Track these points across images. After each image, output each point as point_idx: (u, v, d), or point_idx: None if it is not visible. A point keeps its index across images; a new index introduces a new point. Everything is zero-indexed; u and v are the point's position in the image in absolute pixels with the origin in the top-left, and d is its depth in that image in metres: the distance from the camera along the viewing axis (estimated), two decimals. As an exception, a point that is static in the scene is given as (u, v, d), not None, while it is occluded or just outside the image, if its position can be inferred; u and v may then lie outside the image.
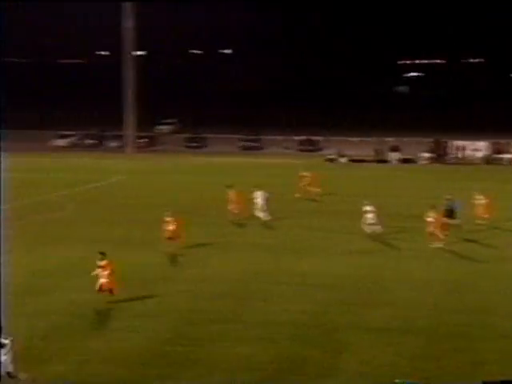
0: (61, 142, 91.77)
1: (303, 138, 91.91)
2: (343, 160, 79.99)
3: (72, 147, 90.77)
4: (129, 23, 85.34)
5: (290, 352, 24.01)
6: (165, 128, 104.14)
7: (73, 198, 51.83)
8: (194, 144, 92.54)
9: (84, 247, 36.77)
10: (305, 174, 52.16)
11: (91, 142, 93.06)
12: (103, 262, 28.42)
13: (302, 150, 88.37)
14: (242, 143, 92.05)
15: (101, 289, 28.31)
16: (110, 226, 43.00)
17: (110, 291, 28.45)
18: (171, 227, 36.24)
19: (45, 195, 52.66)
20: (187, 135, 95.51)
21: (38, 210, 47.82)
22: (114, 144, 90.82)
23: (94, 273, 28.54)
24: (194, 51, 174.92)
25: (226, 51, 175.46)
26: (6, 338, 20.43)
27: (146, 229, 41.14)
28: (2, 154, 46.61)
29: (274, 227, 43.05)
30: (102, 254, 28.72)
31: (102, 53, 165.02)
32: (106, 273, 28.29)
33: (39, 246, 38.02)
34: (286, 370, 22.61)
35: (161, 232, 36.43)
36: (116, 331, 26.07)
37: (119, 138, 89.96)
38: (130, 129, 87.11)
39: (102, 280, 28.24)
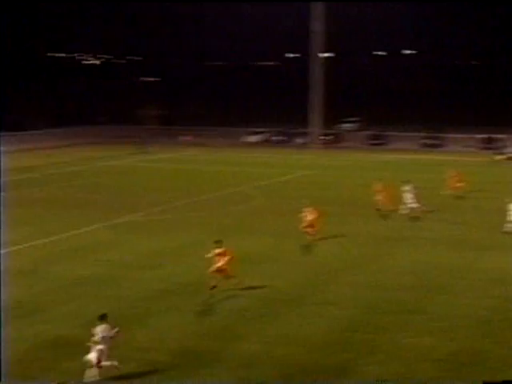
0: (253, 139, 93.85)
1: (485, 136, 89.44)
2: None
3: (263, 143, 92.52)
4: (316, 27, 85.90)
5: (471, 345, 23.37)
6: (349, 126, 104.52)
7: (262, 190, 52.77)
8: (376, 141, 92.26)
9: (267, 237, 37.59)
10: (452, 171, 50.52)
11: (280, 138, 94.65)
12: (220, 250, 28.62)
13: (483, 149, 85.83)
14: (422, 141, 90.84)
15: (218, 271, 28.47)
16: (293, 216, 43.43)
17: (225, 274, 28.61)
18: (309, 218, 36.58)
19: (238, 187, 53.92)
20: (370, 133, 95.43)
21: (233, 200, 49.08)
22: (300, 141, 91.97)
23: (209, 255, 28.72)
24: (379, 53, 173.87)
25: (409, 51, 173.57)
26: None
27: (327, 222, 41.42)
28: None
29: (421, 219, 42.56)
30: (218, 241, 28.88)
31: (291, 55, 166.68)
32: (225, 258, 28.50)
33: (233, 234, 39.02)
34: (466, 363, 21.99)
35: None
36: (300, 316, 26.34)
37: (306, 135, 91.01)
38: (315, 127, 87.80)
39: (219, 264, 28.43)
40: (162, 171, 64.97)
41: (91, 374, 20.42)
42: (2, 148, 62.28)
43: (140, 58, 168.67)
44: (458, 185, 49.56)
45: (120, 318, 25.73)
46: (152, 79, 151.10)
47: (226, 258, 28.53)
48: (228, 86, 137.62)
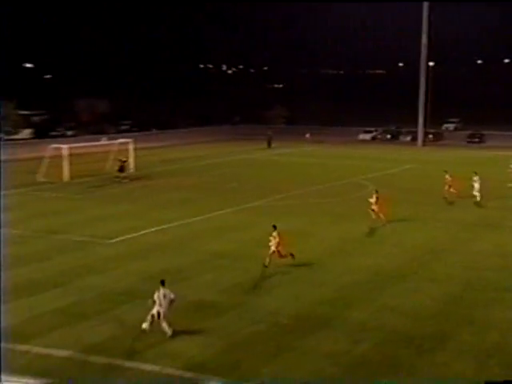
0: (365, 136, 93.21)
1: None
2: None
3: (373, 141, 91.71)
4: (424, 39, 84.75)
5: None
6: (449, 126, 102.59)
7: (373, 181, 52.33)
8: (474, 140, 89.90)
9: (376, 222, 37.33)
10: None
11: (389, 136, 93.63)
12: (275, 233, 28.34)
13: None
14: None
15: (275, 254, 28.23)
16: (397, 205, 42.98)
17: (280, 255, 28.31)
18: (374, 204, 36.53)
19: (352, 178, 53.72)
20: (468, 132, 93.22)
21: (346, 189, 48.98)
22: (407, 138, 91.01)
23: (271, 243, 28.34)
24: (478, 61, 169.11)
25: (507, 60, 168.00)
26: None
27: (424, 210, 40.84)
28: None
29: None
30: (274, 226, 28.65)
31: (400, 64, 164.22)
32: (276, 241, 28.19)
33: (346, 219, 38.97)
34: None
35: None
36: (406, 290, 26.13)
37: (411, 133, 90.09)
38: (420, 126, 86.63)
39: (273, 248, 28.18)
40: (285, 164, 65.36)
41: (145, 325, 21.13)
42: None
43: (266, 68, 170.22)
44: None
45: (248, 288, 26.31)
46: (277, 85, 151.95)
47: (275, 241, 28.27)
48: (344, 90, 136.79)
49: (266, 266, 28.37)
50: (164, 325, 21.21)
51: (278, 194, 46.74)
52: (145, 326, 21.31)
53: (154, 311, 21.25)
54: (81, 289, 25.52)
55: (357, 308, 24.03)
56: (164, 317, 21.20)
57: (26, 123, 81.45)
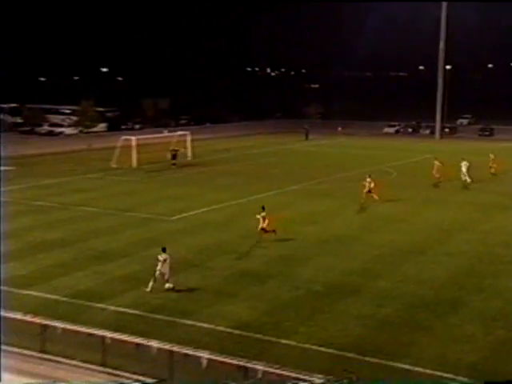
0: (389, 130, 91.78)
1: None
2: None
3: (397, 134, 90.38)
4: (441, 45, 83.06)
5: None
6: (463, 121, 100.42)
7: (396, 168, 51.72)
8: (485, 133, 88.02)
9: (398, 203, 36.82)
10: (491, 156, 47.42)
11: (410, 130, 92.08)
12: (263, 214, 28.08)
13: None
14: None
15: (263, 230, 28.07)
16: (419, 189, 42.43)
17: (267, 231, 28.14)
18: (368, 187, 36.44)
19: (378, 165, 53.11)
20: (480, 126, 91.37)
21: (373, 176, 48.41)
22: (426, 132, 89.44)
23: (258, 216, 28.15)
24: (489, 65, 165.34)
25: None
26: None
27: (438, 192, 40.24)
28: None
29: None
30: (263, 207, 28.45)
31: (420, 67, 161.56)
32: (266, 221, 27.99)
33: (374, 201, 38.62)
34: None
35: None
36: (424, 263, 25.82)
37: (430, 127, 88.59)
38: (438, 121, 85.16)
39: (263, 225, 28.00)
40: (320, 153, 64.90)
41: (149, 284, 21.80)
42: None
43: (304, 71, 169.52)
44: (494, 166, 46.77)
45: (290, 259, 26.28)
46: (314, 85, 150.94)
47: (267, 221, 28.09)
48: (371, 90, 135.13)
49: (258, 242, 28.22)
50: (167, 285, 21.98)
51: (313, 179, 46.48)
52: (150, 285, 21.91)
53: (157, 273, 21.95)
54: (145, 258, 25.82)
55: (382, 278, 23.85)
56: (167, 276, 21.96)
57: (102, 118, 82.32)
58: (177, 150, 53.45)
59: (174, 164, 52.09)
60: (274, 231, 28.53)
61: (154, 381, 15.32)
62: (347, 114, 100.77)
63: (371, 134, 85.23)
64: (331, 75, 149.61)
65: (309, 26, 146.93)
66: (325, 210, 35.99)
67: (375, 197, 36.48)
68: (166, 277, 22.01)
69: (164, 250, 22.22)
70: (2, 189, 40.85)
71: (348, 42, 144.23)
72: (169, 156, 52.90)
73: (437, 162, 43.97)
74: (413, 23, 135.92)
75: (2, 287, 21.98)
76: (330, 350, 17.56)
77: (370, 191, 36.69)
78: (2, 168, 48.20)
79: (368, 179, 37.05)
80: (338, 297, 21.85)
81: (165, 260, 21.98)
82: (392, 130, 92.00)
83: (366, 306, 20.95)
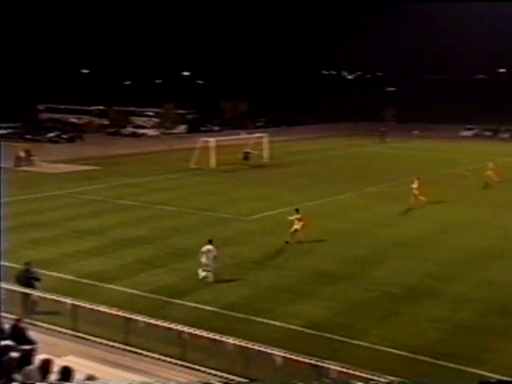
0: (467, 133, 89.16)
1: None
2: None
3: (474, 137, 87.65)
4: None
5: None
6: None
7: (473, 172, 50.14)
8: None
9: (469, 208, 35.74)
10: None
11: (488, 133, 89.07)
12: (298, 216, 27.89)
13: None
14: None
15: (295, 231, 27.83)
16: (498, 192, 40.90)
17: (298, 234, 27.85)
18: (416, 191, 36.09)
19: (454, 168, 51.72)
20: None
21: (451, 178, 47.29)
22: (505, 136, 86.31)
23: (291, 218, 28.10)
24: None
25: None
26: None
27: None
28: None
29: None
30: (297, 210, 28.32)
31: (500, 70, 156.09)
32: (300, 223, 27.71)
33: (453, 204, 37.57)
34: None
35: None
36: (502, 268, 24.90)
37: (510, 131, 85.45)
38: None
39: (296, 227, 27.80)
40: (396, 156, 63.80)
41: (199, 273, 22.94)
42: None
43: (381, 74, 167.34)
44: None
45: (365, 261, 25.94)
46: (390, 89, 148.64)
47: (301, 223, 27.85)
48: (449, 93, 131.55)
49: (287, 242, 28.02)
50: (208, 274, 22.82)
51: (389, 181, 45.72)
52: (201, 275, 22.91)
53: (202, 263, 22.85)
54: (223, 257, 26.09)
55: (458, 281, 23.20)
56: (210, 268, 22.76)
57: (182, 120, 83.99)
58: (249, 152, 54.39)
59: (245, 165, 53.13)
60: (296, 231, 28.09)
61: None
62: (424, 117, 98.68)
63: (448, 137, 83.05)
64: (408, 78, 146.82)
65: (385, 29, 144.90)
66: (400, 212, 35.35)
67: (422, 199, 36.06)
68: (209, 268, 22.85)
69: (210, 242, 23.15)
70: (89, 188, 42.38)
71: (425, 46, 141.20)
72: (241, 157, 53.88)
73: (491, 165, 43.81)
74: (492, 25, 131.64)
75: (88, 281, 22.91)
76: (404, 353, 17.21)
77: (417, 194, 36.35)
78: (76, 167, 49.94)
79: (415, 181, 36.71)
80: (413, 299, 21.39)
81: (208, 251, 22.81)
82: (470, 133, 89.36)
83: (441, 309, 20.42)
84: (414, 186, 36.64)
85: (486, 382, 15.18)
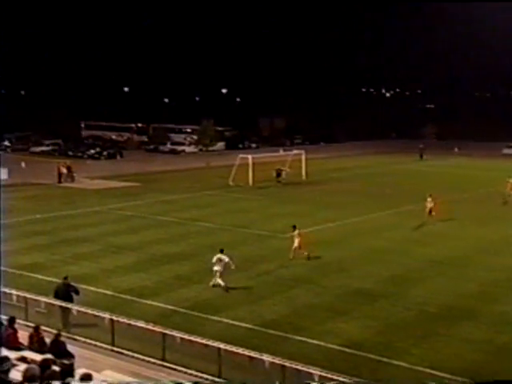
0: (509, 151, 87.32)
1: None
2: None
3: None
4: None
5: None
6: None
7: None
8: None
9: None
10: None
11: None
12: (296, 232, 28.22)
13: None
14: None
15: (299, 247, 28.02)
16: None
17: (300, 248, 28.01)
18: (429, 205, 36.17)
19: (495, 187, 50.64)
20: None
21: (490, 197, 46.46)
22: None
23: (291, 234, 28.42)
24: None
25: None
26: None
27: None
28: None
29: None
30: (294, 227, 28.51)
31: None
32: (298, 239, 27.98)
33: (490, 222, 36.93)
34: None
35: None
36: None
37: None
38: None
39: (296, 245, 28.08)
40: (435, 174, 62.96)
41: (212, 280, 23.96)
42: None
43: (419, 91, 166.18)
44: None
45: (402, 280, 25.61)
46: (429, 106, 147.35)
47: (299, 239, 28.12)
48: (490, 110, 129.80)
49: (292, 259, 28.15)
50: (219, 280, 23.70)
51: (425, 200, 45.05)
52: (212, 282, 23.93)
53: (214, 271, 23.76)
54: (259, 274, 26.08)
55: (499, 302, 22.71)
56: (220, 275, 23.69)
57: (220, 137, 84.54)
58: (282, 170, 54.63)
59: (278, 181, 53.42)
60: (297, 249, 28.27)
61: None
62: (463, 134, 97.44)
63: (489, 155, 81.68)
64: (448, 95, 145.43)
65: (424, 47, 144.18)
66: (439, 230, 34.86)
67: (434, 215, 36.09)
68: (219, 274, 23.73)
69: (222, 251, 24.03)
70: (128, 204, 42.92)
71: (463, 63, 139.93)
72: (274, 174, 54.12)
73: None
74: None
75: (127, 296, 23.16)
76: (443, 374, 16.88)
77: (430, 211, 36.24)
78: (116, 184, 50.57)
79: (429, 199, 36.74)
80: (452, 320, 21.02)
81: (219, 260, 23.67)
82: (510, 151, 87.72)
83: (482, 330, 20.01)
84: (427, 203, 36.80)
85: (481, 382, 14.98)
